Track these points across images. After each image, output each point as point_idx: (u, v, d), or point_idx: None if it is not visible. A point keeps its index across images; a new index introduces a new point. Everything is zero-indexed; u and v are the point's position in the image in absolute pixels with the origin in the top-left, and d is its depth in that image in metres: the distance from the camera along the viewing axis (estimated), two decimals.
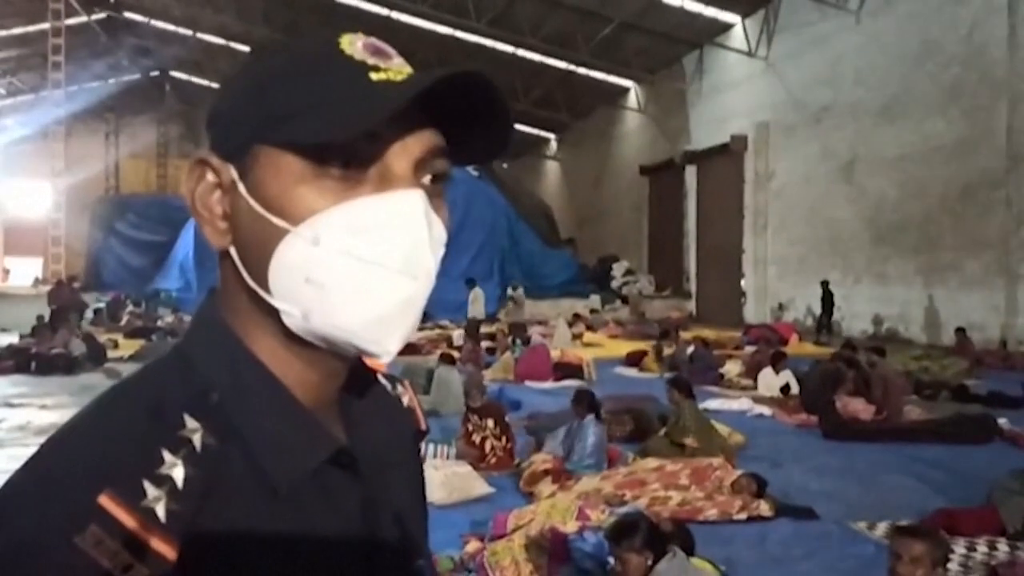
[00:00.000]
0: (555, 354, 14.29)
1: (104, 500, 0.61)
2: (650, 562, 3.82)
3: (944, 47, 17.84)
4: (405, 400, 0.93)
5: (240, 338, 0.74)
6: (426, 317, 21.27)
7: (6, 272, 47.26)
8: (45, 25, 32.88)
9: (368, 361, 0.81)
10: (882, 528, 5.59)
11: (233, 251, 0.73)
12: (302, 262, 0.69)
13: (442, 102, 0.71)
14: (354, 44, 0.72)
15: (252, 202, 0.71)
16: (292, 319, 0.71)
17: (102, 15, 36.00)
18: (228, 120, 0.73)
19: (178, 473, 0.65)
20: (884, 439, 8.57)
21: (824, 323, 19.89)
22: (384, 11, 29.55)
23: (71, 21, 33.72)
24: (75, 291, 22.25)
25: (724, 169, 26.03)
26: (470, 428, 7.54)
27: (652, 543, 3.87)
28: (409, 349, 15.92)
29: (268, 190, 0.70)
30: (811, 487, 6.77)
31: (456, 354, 13.63)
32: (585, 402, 7.16)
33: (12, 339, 16.28)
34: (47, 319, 16.57)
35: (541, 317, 22.49)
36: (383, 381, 0.90)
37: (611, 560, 4.30)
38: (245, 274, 0.72)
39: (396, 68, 0.72)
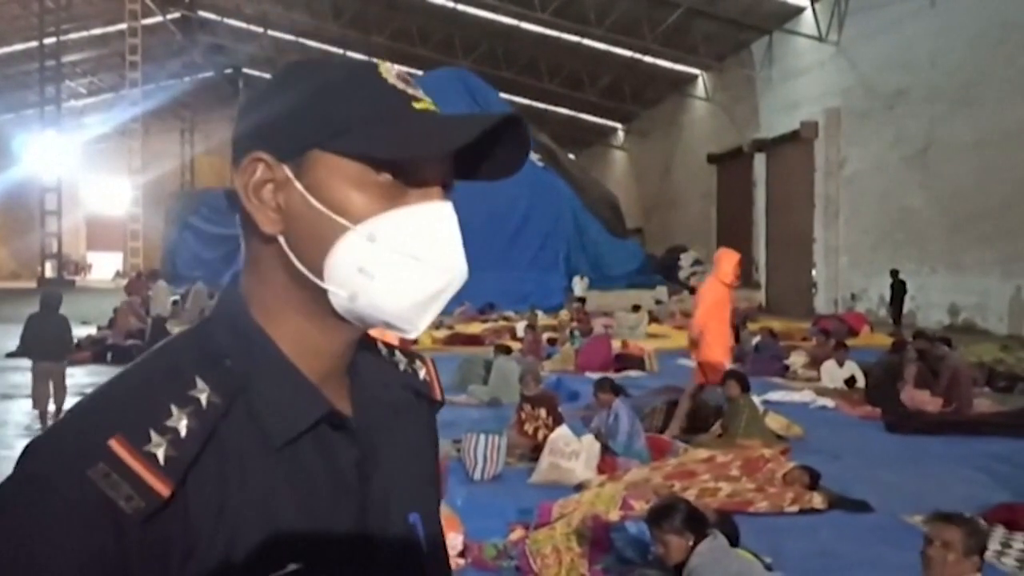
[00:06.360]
0: (616, 345, 14.23)
1: (113, 443, 0.74)
2: (691, 543, 3.78)
3: (1023, 28, 17.17)
4: (422, 374, 1.05)
5: (256, 317, 0.87)
6: (492, 308, 21.38)
7: (89, 266, 49.02)
8: (123, 25, 34.01)
9: (382, 334, 0.95)
10: None
11: (282, 239, 0.84)
12: (358, 255, 0.82)
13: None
14: (390, 72, 0.85)
15: (311, 199, 0.82)
16: (338, 299, 0.84)
17: (177, 14, 37.00)
18: (284, 125, 0.83)
19: (182, 425, 0.77)
20: (950, 432, 8.32)
21: (894, 314, 19.35)
22: (449, 3, 29.70)
23: (147, 21, 34.79)
24: (147, 285, 23.22)
25: (794, 157, 25.48)
26: (523, 417, 7.56)
27: (692, 525, 3.83)
28: (472, 340, 16.03)
29: (325, 190, 0.82)
30: (869, 480, 6.61)
31: (518, 345, 13.71)
32: (608, 387, 7.24)
33: (91, 331, 16.82)
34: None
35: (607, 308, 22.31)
36: (398, 354, 1.04)
37: (653, 548, 4.27)
38: (295, 259, 0.84)
39: (427, 100, 0.85)
